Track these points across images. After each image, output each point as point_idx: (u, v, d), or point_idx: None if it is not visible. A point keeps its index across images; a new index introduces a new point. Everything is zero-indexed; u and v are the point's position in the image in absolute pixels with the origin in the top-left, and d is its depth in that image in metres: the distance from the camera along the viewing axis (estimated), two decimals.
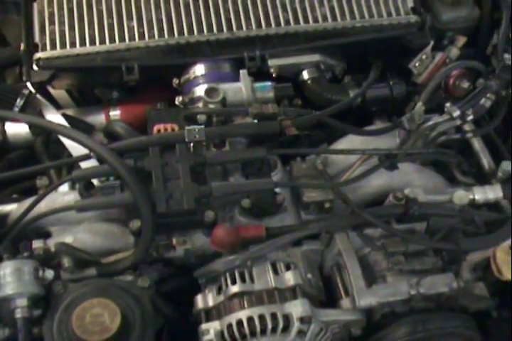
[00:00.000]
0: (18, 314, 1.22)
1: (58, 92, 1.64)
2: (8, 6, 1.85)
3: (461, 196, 1.37)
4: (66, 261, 1.28)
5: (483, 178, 1.52)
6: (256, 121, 1.40)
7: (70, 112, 1.63)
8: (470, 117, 1.48)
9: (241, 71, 1.48)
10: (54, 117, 1.53)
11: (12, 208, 1.45)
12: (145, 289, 1.27)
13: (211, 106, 1.43)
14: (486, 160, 1.53)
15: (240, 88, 1.46)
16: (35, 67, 1.53)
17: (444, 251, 1.35)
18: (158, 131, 1.40)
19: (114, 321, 1.20)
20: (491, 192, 1.41)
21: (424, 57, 1.55)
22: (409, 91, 1.59)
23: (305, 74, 1.56)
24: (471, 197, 1.40)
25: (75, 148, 1.46)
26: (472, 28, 1.63)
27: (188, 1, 1.56)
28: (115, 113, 1.63)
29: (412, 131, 1.47)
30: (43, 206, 1.39)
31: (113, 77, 1.55)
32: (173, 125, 1.40)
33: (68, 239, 1.35)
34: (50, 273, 1.26)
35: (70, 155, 1.51)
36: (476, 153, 1.55)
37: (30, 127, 1.55)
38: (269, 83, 1.49)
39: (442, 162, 1.54)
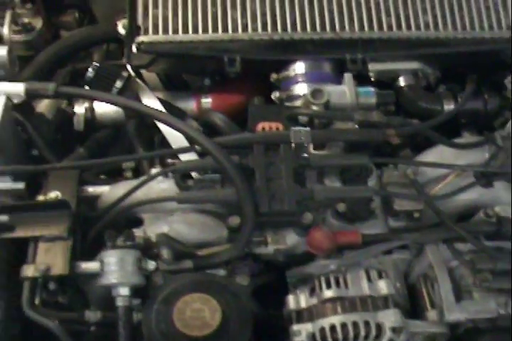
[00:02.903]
0: (120, 302, 1.25)
1: (148, 74, 1.64)
2: None
3: None
4: (165, 253, 1.31)
5: None
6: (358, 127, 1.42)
7: (160, 95, 1.63)
8: None
9: (346, 74, 1.49)
10: (150, 101, 1.53)
11: (103, 190, 1.46)
12: (243, 287, 1.30)
13: (314, 107, 1.44)
14: None
15: (344, 91, 1.46)
16: (133, 50, 1.53)
17: None
18: (263, 129, 1.41)
19: (215, 317, 1.22)
20: None
21: None
22: (501, 106, 1.60)
23: (401, 81, 1.56)
24: None
25: (173, 136, 1.47)
26: None
27: None
28: (206, 100, 1.64)
29: (504, 148, 1.49)
30: (139, 193, 1.41)
31: (211, 66, 1.55)
32: (278, 124, 1.41)
33: (164, 229, 1.36)
34: (152, 264, 1.28)
35: (162, 140, 1.53)
36: None
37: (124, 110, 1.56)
38: (371, 89, 1.50)
39: None
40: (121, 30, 1.62)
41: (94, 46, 1.74)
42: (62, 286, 1.33)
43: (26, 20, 1.66)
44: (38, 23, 1.69)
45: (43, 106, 1.60)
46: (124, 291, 1.25)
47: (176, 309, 1.23)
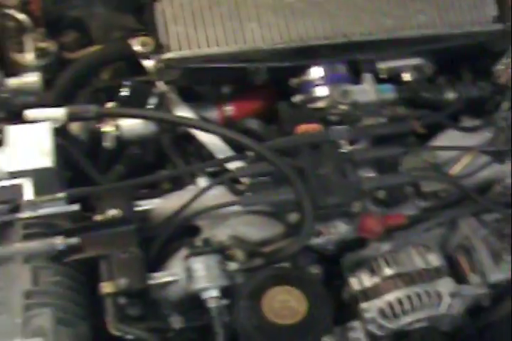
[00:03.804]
0: (212, 304, 1.34)
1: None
2: None
3: None
4: (239, 254, 1.41)
5: None
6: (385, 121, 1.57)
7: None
8: None
9: (366, 74, 1.64)
10: (187, 115, 1.62)
11: (155, 203, 1.53)
12: (316, 275, 1.42)
13: (342, 107, 1.58)
14: None
15: (366, 90, 1.61)
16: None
17: None
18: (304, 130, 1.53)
19: (301, 305, 1.35)
20: None
21: (505, 60, 1.75)
22: (492, 91, 1.79)
23: (407, 76, 1.73)
24: None
25: (215, 145, 1.57)
26: None
27: (302, 7, 1.67)
28: (228, 108, 1.73)
29: (505, 128, 1.68)
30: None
31: (235, 76, 1.65)
32: (317, 125, 1.53)
33: (228, 232, 1.46)
34: (233, 265, 1.39)
35: (197, 150, 1.63)
36: None
37: (160, 124, 1.63)
38: (389, 85, 1.65)
39: None
40: (138, 48, 1.69)
41: (108, 65, 1.78)
42: (131, 299, 1.40)
43: (43, 44, 1.68)
44: (53, 47, 1.72)
45: (74, 127, 1.64)
46: (215, 293, 1.34)
47: (265, 303, 1.34)
